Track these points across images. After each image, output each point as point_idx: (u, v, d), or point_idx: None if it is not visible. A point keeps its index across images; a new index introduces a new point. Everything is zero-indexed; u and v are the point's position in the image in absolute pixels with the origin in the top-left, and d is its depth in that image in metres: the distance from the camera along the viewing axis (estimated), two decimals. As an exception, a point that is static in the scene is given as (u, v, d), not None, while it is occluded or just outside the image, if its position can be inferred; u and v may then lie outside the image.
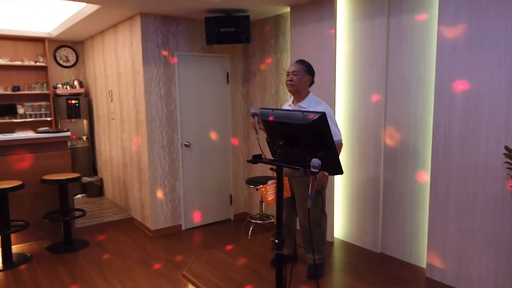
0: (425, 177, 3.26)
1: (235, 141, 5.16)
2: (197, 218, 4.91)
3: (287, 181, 2.45)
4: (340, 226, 4.03)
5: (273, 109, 2.49)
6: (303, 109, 2.76)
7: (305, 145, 2.28)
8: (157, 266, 3.76)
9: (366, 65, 3.60)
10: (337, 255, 3.71)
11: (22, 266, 3.79)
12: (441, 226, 3.05)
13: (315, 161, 2.11)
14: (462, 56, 2.83)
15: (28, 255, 4.03)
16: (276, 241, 2.39)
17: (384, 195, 3.60)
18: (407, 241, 3.46)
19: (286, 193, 2.44)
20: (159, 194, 4.58)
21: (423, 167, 3.27)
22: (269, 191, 2.42)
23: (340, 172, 2.29)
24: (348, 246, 3.87)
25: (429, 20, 3.13)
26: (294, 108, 3.05)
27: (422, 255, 3.34)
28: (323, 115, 2.14)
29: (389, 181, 3.54)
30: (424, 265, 3.29)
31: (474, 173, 2.82)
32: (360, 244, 3.84)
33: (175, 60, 4.54)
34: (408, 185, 3.40)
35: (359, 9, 3.61)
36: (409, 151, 3.37)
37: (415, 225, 3.38)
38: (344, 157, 3.89)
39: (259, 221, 4.63)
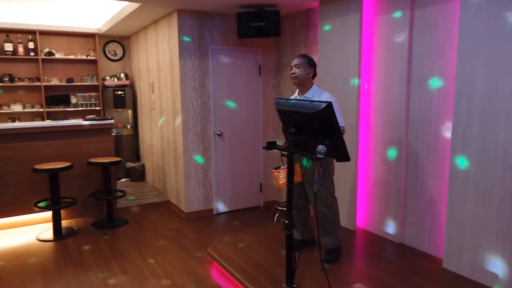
0: (445, 169, 3.28)
1: (266, 132, 5.35)
2: (228, 203, 5.18)
3: (298, 167, 2.61)
4: (363, 215, 4.11)
5: (286, 99, 2.66)
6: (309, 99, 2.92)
7: (314, 133, 2.44)
8: (187, 244, 4.06)
9: (390, 58, 3.64)
10: (358, 243, 3.81)
11: (70, 239, 4.25)
12: (458, 217, 3.07)
13: (321, 147, 2.26)
14: (483, 48, 2.82)
15: (75, 229, 4.51)
16: (286, 221, 2.58)
17: (406, 186, 3.64)
18: (426, 231, 3.49)
19: (297, 178, 2.61)
20: (193, 179, 4.89)
21: (444, 159, 3.29)
22: (281, 175, 2.60)
23: (347, 158, 2.42)
24: (369, 235, 3.96)
25: (452, 12, 3.13)
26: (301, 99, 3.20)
27: (440, 246, 3.36)
28: (329, 104, 2.29)
29: (411, 172, 3.58)
30: (441, 256, 3.32)
31: (492, 165, 2.82)
32: (381, 234, 3.91)
33: (209, 53, 4.80)
34: (428, 176, 3.43)
35: (384, 2, 3.65)
36: (431, 143, 3.39)
37: (435, 216, 3.40)
38: (366, 148, 3.96)
39: (285, 208, 4.79)
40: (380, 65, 3.77)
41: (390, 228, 3.80)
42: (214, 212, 5.09)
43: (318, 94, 3.14)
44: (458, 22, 3.04)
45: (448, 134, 3.23)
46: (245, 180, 5.28)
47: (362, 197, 4.10)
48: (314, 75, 3.23)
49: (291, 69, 3.19)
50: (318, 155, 2.26)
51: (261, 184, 5.41)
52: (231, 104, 5.05)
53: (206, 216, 4.98)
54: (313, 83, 3.23)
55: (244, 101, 5.14)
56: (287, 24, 4.95)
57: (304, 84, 3.19)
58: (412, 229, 3.62)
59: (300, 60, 3.16)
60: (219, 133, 4.99)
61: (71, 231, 4.43)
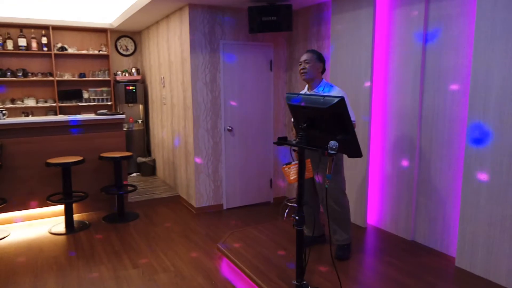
0: (458, 166, 3.22)
1: (277, 128, 5.33)
2: (237, 199, 5.17)
3: (309, 163, 2.58)
4: (374, 212, 4.07)
5: (298, 94, 2.63)
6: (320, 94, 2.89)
7: (325, 128, 2.40)
8: (196, 239, 4.07)
9: (403, 53, 3.58)
10: (369, 240, 3.77)
11: (82, 232, 4.29)
12: (472, 215, 3.01)
13: (332, 143, 2.23)
14: (500, 44, 2.75)
15: (87, 222, 4.55)
16: (297, 217, 2.55)
17: (418, 183, 3.58)
18: (438, 229, 3.44)
19: (308, 174, 2.58)
20: (203, 174, 4.90)
21: (457, 156, 3.22)
22: (292, 170, 2.57)
23: (359, 154, 2.38)
24: (380, 233, 3.91)
25: (468, 6, 3.05)
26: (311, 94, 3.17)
27: (453, 244, 3.31)
28: (342, 100, 2.25)
29: (423, 170, 3.53)
30: (454, 254, 3.26)
31: (508, 162, 2.75)
32: (393, 231, 3.86)
33: (220, 48, 4.78)
34: (441, 174, 3.37)
35: (399, -4, 3.58)
36: (444, 141, 3.33)
37: (447, 213, 3.35)
38: (378, 145, 3.91)
39: (295, 204, 4.77)
40: (394, 60, 3.71)
41: (402, 225, 3.75)
42: (224, 207, 5.09)
43: (328, 89, 3.11)
44: (474, 15, 2.96)
45: (462, 131, 3.16)
46: (255, 176, 5.27)
47: (373, 193, 4.05)
48: (323, 70, 3.20)
49: (300, 64, 3.16)
50: (330, 151, 2.22)
51: (271, 180, 5.40)
52: (241, 99, 5.03)
53: (216, 211, 4.99)
54: (322, 78, 3.20)
55: (255, 96, 5.12)
56: (299, 18, 4.90)
57: (313, 80, 3.16)
58: (424, 227, 3.57)
59: (309, 56, 3.13)
60: (230, 128, 4.98)
61: (83, 225, 4.48)
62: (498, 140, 2.81)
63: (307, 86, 3.27)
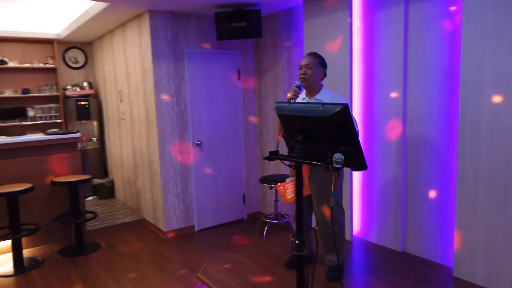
0: (450, 171, 3.10)
1: (247, 139, 5.04)
2: (210, 218, 4.80)
3: (306, 179, 2.32)
4: (358, 223, 3.87)
5: (289, 102, 2.36)
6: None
7: (326, 140, 2.15)
8: (170, 268, 3.65)
9: (384, 57, 3.45)
10: (356, 255, 3.56)
11: (34, 271, 3.71)
12: (470, 222, 2.89)
13: (338, 156, 1.97)
14: (490, 44, 2.67)
15: (40, 259, 3.96)
16: (297, 241, 2.26)
17: (405, 191, 3.44)
18: (431, 238, 3.30)
19: (306, 191, 2.31)
20: (171, 195, 4.48)
21: (448, 161, 3.11)
22: (288, 189, 2.29)
23: (364, 167, 2.15)
24: (367, 245, 3.72)
25: (451, 7, 2.97)
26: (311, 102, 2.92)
27: (448, 253, 3.17)
28: (345, 107, 2.01)
29: (410, 176, 3.39)
30: (451, 264, 3.13)
31: (506, 165, 2.66)
32: (381, 242, 3.68)
33: (185, 57, 4.44)
34: (431, 180, 3.24)
35: (376, -2, 3.46)
36: (432, 145, 3.21)
37: (440, 221, 3.21)
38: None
39: (274, 221, 4.50)
40: (374, 64, 3.57)
41: (390, 236, 3.58)
42: (196, 229, 4.70)
43: (330, 97, 2.86)
44: (461, 14, 2.88)
45: (453, 133, 3.05)
46: (227, 192, 4.93)
47: (357, 203, 3.86)
48: (324, 76, 2.96)
49: (301, 69, 2.87)
50: (336, 165, 1.97)
51: (244, 195, 5.08)
52: (210, 111, 4.69)
53: (188, 234, 4.58)
54: (322, 85, 2.95)
55: (224, 108, 4.81)
56: (267, 24, 4.68)
57: (314, 86, 2.89)
58: (415, 236, 3.41)
59: (311, 60, 2.85)
60: (198, 143, 4.62)
61: (35, 262, 3.89)
62: (494, 142, 2.71)
63: (305, 92, 2.99)
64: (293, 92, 2.78)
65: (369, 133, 3.67)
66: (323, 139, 2.16)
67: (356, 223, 3.89)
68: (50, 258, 4.00)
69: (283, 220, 4.52)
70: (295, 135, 2.24)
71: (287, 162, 2.38)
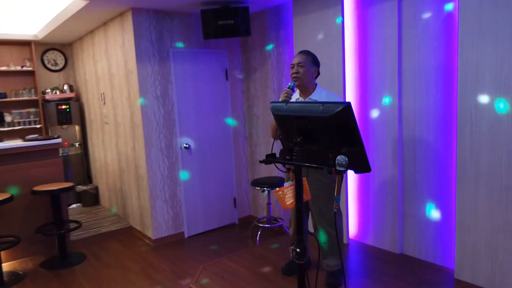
0: (448, 170, 3.02)
1: (237, 141, 4.89)
2: (200, 224, 4.63)
3: (306, 183, 2.19)
4: (354, 226, 3.77)
5: (286, 102, 2.23)
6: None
7: (326, 141, 2.02)
8: (161, 278, 3.48)
9: (378, 54, 3.35)
10: (354, 258, 3.46)
11: (14, 286, 3.49)
12: (471, 222, 2.81)
13: (342, 159, 1.85)
14: (488, 39, 2.59)
15: (20, 273, 3.73)
16: (298, 250, 2.13)
17: (402, 191, 3.35)
18: (430, 240, 3.21)
19: (306, 196, 2.18)
20: (159, 200, 4.30)
21: (445, 160, 3.03)
22: (287, 194, 2.16)
23: (368, 169, 2.03)
24: (364, 248, 3.62)
25: (447, 1, 2.89)
26: (306, 101, 2.80)
27: (448, 255, 3.09)
28: (347, 106, 1.89)
29: (408, 176, 3.30)
30: (451, 266, 3.05)
31: (507, 164, 2.58)
32: (378, 245, 3.59)
33: (170, 57, 4.26)
34: (429, 180, 3.15)
35: (368, -7, 3.36)
36: (429, 144, 3.13)
37: (439, 222, 3.13)
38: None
39: (266, 225, 4.36)
40: (368, 62, 3.47)
41: (388, 238, 3.49)
42: (186, 235, 4.52)
43: (325, 96, 2.74)
44: (457, 9, 2.80)
45: (451, 132, 2.97)
46: (218, 196, 4.77)
47: (353, 205, 3.76)
48: (318, 74, 2.84)
49: (293, 67, 2.76)
50: (339, 168, 1.84)
51: (235, 199, 4.93)
52: (197, 112, 4.53)
53: (178, 241, 4.40)
54: (316, 84, 2.83)
55: (212, 109, 4.65)
56: (254, 22, 4.54)
57: (307, 85, 2.78)
58: (413, 238, 3.33)
59: (304, 58, 2.75)
60: (186, 146, 4.45)
61: (15, 276, 3.66)
62: (494, 140, 2.63)
63: (298, 92, 2.87)
64: (286, 94, 2.67)
65: (364, 133, 3.57)
66: (324, 141, 2.03)
67: (352, 226, 3.79)
68: (31, 271, 3.77)
69: (276, 224, 4.39)
70: (294, 136, 2.11)
71: (281, 166, 2.25)
